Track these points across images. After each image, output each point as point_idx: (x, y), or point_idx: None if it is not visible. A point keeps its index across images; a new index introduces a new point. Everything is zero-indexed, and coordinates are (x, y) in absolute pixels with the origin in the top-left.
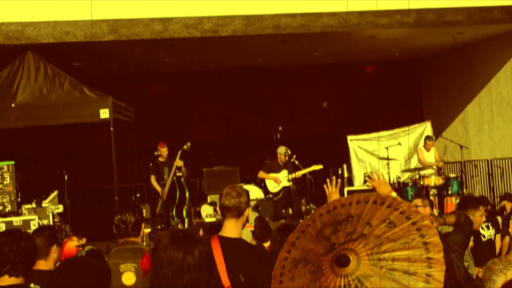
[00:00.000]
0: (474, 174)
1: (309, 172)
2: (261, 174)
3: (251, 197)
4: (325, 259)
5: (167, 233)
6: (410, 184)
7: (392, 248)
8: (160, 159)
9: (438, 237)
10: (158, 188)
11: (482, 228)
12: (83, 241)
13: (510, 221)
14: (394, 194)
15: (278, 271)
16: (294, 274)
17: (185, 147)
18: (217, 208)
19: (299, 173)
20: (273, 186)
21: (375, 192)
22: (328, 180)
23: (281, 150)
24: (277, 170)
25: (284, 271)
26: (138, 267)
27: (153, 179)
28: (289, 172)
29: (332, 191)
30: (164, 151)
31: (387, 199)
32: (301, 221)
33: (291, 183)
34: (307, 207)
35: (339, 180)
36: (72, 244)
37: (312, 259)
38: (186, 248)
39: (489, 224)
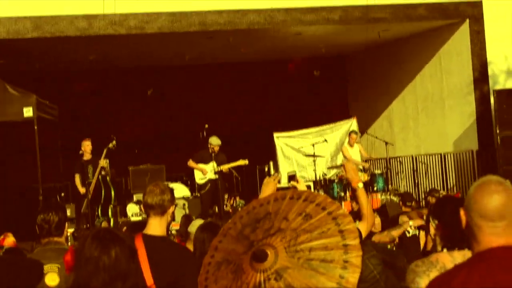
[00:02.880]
0: (399, 170)
1: (236, 169)
2: (190, 163)
3: (177, 195)
4: (245, 257)
5: (91, 231)
6: (336, 180)
7: (309, 239)
8: (84, 157)
9: (354, 225)
10: (81, 189)
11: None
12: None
13: (430, 218)
14: (361, 185)
15: (203, 277)
16: (217, 276)
17: (110, 145)
18: (140, 206)
19: (225, 167)
20: (199, 177)
21: (291, 189)
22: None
23: (212, 140)
24: (207, 161)
25: (209, 275)
26: (62, 267)
27: (77, 179)
28: (217, 164)
29: (267, 180)
30: (87, 144)
31: (304, 194)
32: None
33: (217, 176)
34: (235, 203)
35: (278, 175)
36: (11, 240)
37: (233, 259)
38: (103, 247)
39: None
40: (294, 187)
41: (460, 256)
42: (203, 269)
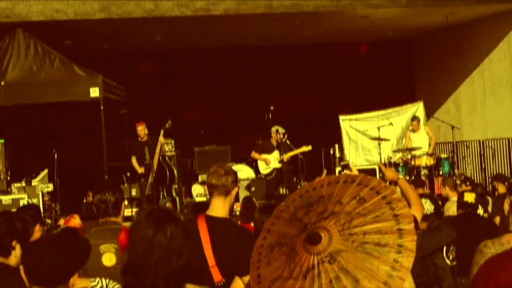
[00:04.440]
0: (465, 155)
1: (301, 153)
2: (253, 154)
3: (242, 177)
4: (298, 240)
5: (145, 210)
6: (401, 164)
7: (363, 223)
8: (138, 138)
9: (408, 209)
10: (139, 169)
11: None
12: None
13: (506, 201)
14: (401, 176)
15: (256, 258)
16: (270, 258)
17: (166, 125)
18: (204, 187)
19: (288, 155)
20: (263, 168)
21: (345, 174)
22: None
23: (274, 129)
24: (269, 150)
25: (261, 257)
26: (119, 247)
27: (133, 160)
28: (281, 154)
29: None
30: (140, 129)
31: (357, 178)
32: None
33: (281, 164)
34: (299, 186)
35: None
36: (76, 222)
37: (286, 241)
38: (158, 225)
39: (479, 205)
40: None
41: None
42: (256, 251)
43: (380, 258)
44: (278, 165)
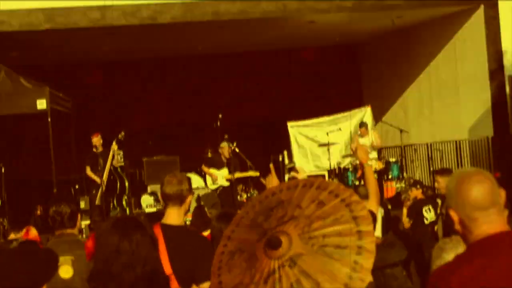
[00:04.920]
0: (414, 158)
1: (250, 159)
2: (203, 168)
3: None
4: (259, 245)
5: (111, 218)
6: (350, 169)
7: (323, 226)
8: (94, 149)
9: (367, 211)
10: (95, 177)
11: (425, 211)
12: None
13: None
14: (370, 163)
15: (216, 266)
16: (230, 265)
17: (119, 136)
18: (159, 197)
19: (235, 176)
20: (210, 183)
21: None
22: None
23: (223, 144)
24: (219, 166)
25: (222, 264)
26: (76, 259)
27: (88, 170)
28: (230, 171)
29: (269, 179)
30: (96, 141)
31: (316, 182)
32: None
33: (228, 183)
34: (248, 194)
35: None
36: (34, 233)
37: (247, 247)
38: (123, 232)
39: (431, 207)
40: (294, 178)
41: None
42: (216, 258)
43: (340, 260)
44: (226, 183)
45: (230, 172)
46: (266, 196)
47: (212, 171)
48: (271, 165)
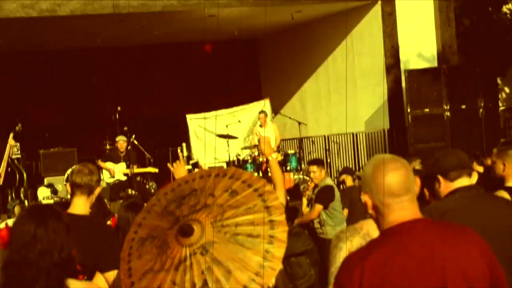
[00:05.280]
0: (311, 150)
1: (149, 151)
2: (99, 163)
3: None
4: (171, 232)
5: (28, 206)
6: (249, 161)
7: (235, 214)
8: None
9: (279, 201)
10: None
11: None
12: None
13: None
14: (274, 155)
15: (126, 252)
16: (141, 251)
17: (16, 128)
18: (56, 189)
19: (134, 171)
20: (107, 177)
21: (217, 167)
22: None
23: (118, 138)
24: (116, 160)
25: (132, 251)
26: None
27: None
28: (127, 166)
29: (177, 166)
30: None
31: (229, 171)
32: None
33: (126, 177)
34: (147, 186)
35: (182, 154)
36: None
37: (158, 234)
38: (39, 220)
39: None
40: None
41: None
42: (126, 245)
43: (252, 249)
44: (123, 178)
45: (127, 166)
46: (179, 184)
47: (109, 165)
48: (180, 153)
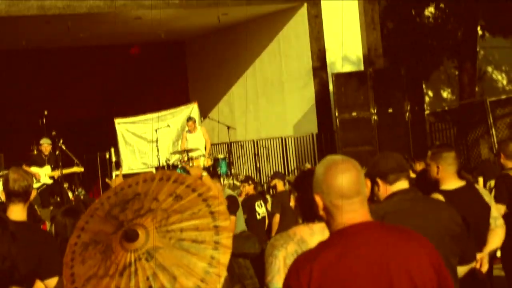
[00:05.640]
0: (240, 155)
1: (77, 157)
2: (24, 168)
3: None
4: (115, 237)
5: None
6: (179, 166)
7: (180, 219)
8: None
9: (224, 206)
10: None
11: (257, 205)
12: None
13: (291, 197)
14: (205, 173)
15: (69, 257)
16: (84, 256)
17: None
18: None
19: (58, 173)
20: (34, 182)
21: (160, 171)
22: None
23: (41, 141)
24: (41, 164)
25: (75, 255)
26: None
27: None
28: (52, 169)
29: (114, 180)
30: None
31: (173, 175)
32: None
33: (52, 180)
34: (76, 192)
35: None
36: None
37: (102, 239)
38: None
39: (262, 202)
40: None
41: (319, 228)
42: (69, 249)
43: (197, 254)
44: (49, 181)
45: (53, 169)
46: (122, 188)
47: (34, 170)
48: (109, 181)
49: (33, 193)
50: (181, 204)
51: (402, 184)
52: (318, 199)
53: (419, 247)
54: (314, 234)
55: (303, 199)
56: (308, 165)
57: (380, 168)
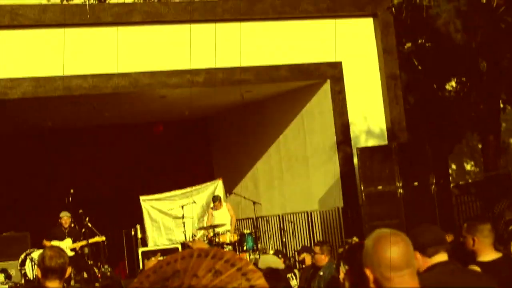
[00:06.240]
0: (266, 230)
1: (103, 233)
2: (44, 242)
3: None
4: None
5: None
6: (206, 241)
7: None
8: None
9: (263, 280)
10: None
11: (290, 277)
12: None
13: (340, 269)
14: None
15: None
16: None
17: None
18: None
19: (79, 244)
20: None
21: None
22: None
23: (61, 214)
24: (60, 237)
25: None
26: None
27: None
28: (73, 241)
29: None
30: None
31: (211, 251)
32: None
33: (73, 253)
34: (102, 269)
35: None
36: None
37: None
38: None
39: (292, 274)
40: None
41: None
42: None
43: None
44: (71, 253)
45: (73, 241)
46: (161, 266)
47: (54, 243)
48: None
49: (68, 270)
50: (221, 279)
51: (442, 257)
52: (368, 272)
53: None
54: None
55: (354, 271)
56: (356, 239)
57: (419, 241)
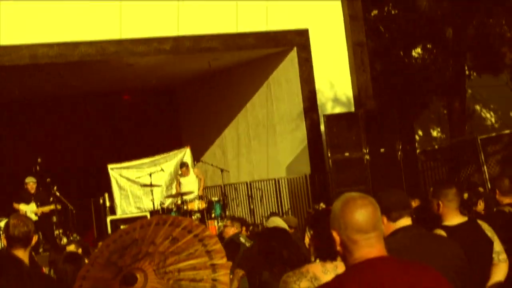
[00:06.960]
0: (234, 197)
1: (71, 202)
2: (14, 205)
3: None
4: (114, 283)
5: None
6: (174, 209)
7: (177, 261)
8: None
9: (220, 245)
10: None
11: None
12: None
13: (306, 234)
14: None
15: None
16: None
17: None
18: (3, 239)
19: (40, 210)
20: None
21: (157, 216)
22: None
23: (27, 180)
24: (27, 201)
25: None
26: None
27: None
28: (37, 206)
29: None
30: None
31: (169, 219)
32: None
33: (37, 217)
34: (71, 237)
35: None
36: None
37: (102, 286)
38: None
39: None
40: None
41: (332, 266)
42: None
43: None
44: (34, 218)
45: (38, 205)
46: (120, 235)
47: (22, 207)
48: None
49: (34, 238)
50: (178, 246)
51: (405, 221)
52: (335, 234)
53: (433, 280)
54: (327, 272)
55: (319, 236)
56: (323, 205)
57: (383, 206)
